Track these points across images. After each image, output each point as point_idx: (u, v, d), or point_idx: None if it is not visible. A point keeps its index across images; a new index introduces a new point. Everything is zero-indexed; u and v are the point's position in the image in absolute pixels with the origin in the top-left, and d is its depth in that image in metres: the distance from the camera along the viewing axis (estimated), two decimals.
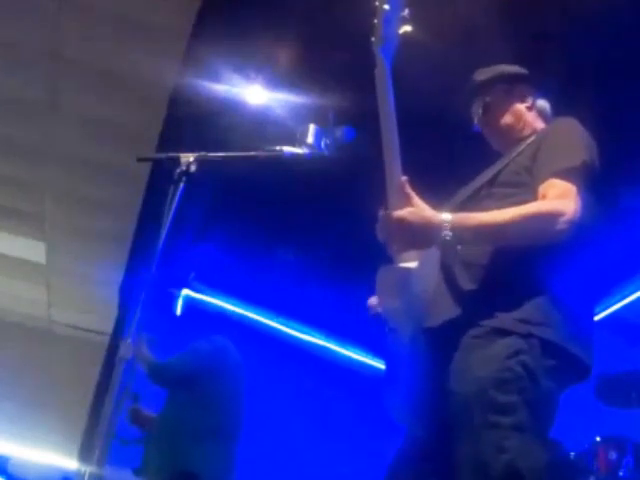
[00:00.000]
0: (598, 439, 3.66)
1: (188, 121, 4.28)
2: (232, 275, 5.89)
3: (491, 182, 2.00)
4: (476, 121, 2.23)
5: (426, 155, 3.35)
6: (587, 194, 1.85)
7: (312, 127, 2.27)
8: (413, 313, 1.83)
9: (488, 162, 2.12)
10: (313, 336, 6.67)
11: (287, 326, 6.58)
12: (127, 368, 1.90)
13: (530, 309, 1.78)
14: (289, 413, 6.09)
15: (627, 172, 3.86)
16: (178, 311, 5.15)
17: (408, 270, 1.84)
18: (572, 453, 3.65)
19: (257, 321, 6.37)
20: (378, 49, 1.89)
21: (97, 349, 6.86)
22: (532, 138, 2.07)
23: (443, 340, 1.79)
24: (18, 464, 7.88)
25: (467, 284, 1.84)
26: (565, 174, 1.84)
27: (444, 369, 1.78)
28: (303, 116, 3.73)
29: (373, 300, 2.06)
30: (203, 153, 2.22)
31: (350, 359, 6.77)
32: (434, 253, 1.83)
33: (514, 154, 2.04)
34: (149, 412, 4.11)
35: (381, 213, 1.81)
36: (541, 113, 2.23)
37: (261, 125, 4.16)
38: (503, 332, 1.76)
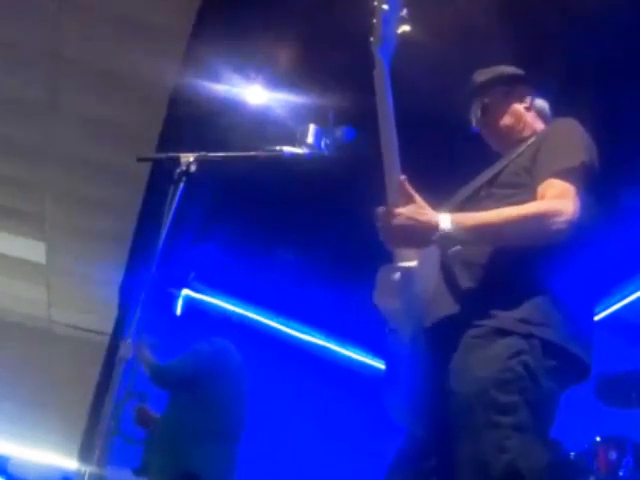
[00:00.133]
0: (598, 439, 3.66)
1: (188, 121, 4.28)
2: (232, 275, 5.89)
3: (490, 183, 2.00)
4: (475, 122, 2.23)
5: (425, 155, 3.34)
6: (586, 194, 1.86)
7: (312, 127, 2.27)
8: (413, 313, 1.83)
9: (487, 162, 2.12)
10: (313, 336, 6.66)
11: (287, 326, 6.57)
12: (127, 368, 1.90)
13: (530, 309, 1.78)
14: (289, 413, 6.09)
15: (627, 172, 3.86)
16: (178, 311, 5.16)
17: (408, 269, 1.84)
18: (572, 453, 3.65)
19: (257, 321, 6.36)
20: (377, 49, 1.88)
21: (97, 349, 6.84)
22: (532, 139, 2.07)
23: (443, 340, 1.80)
24: (18, 464, 7.86)
25: (467, 284, 1.84)
26: (564, 174, 1.84)
27: (444, 369, 1.78)
28: (303, 116, 3.73)
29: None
30: (203, 153, 2.23)
31: (350, 359, 6.77)
32: (434, 252, 1.83)
33: (514, 155, 2.03)
34: (155, 413, 4.11)
35: (380, 209, 1.80)
36: (540, 113, 2.22)
37: (261, 125, 4.16)
38: (503, 332, 1.76)
